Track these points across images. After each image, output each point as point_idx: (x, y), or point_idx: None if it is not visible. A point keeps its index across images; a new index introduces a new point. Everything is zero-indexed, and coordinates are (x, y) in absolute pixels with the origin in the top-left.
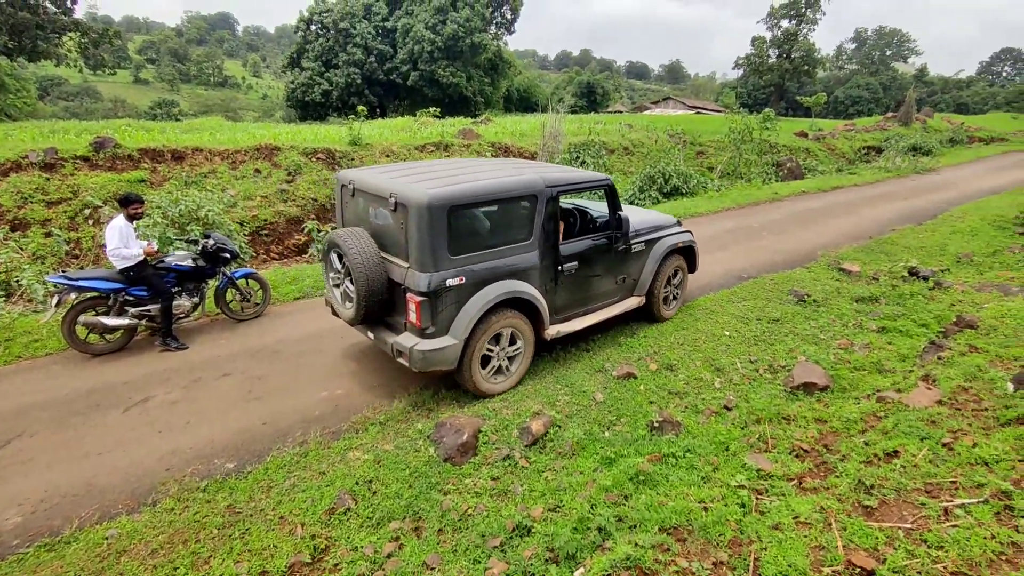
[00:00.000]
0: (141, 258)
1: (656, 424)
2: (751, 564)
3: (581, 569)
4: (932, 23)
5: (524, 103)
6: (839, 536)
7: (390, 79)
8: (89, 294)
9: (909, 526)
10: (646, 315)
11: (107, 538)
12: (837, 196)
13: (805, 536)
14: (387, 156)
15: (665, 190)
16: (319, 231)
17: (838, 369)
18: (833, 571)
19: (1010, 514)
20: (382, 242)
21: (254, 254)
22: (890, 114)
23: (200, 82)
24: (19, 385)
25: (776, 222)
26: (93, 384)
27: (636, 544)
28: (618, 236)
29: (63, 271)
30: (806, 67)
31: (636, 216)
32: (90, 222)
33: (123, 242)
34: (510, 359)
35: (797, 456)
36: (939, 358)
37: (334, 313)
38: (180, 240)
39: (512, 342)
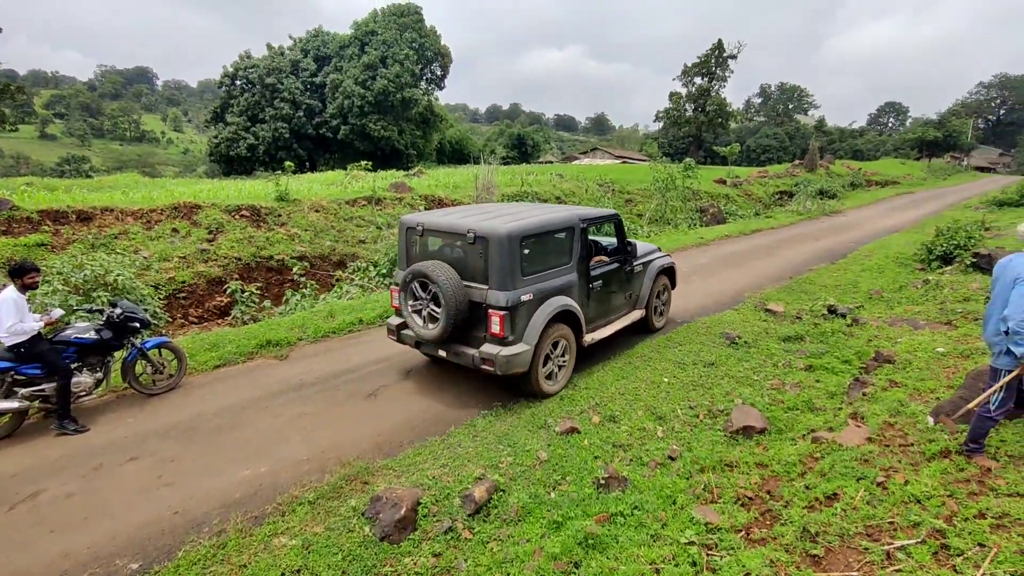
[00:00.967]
0: (36, 332)
1: (602, 481)
2: None
3: None
4: (825, 80)
5: (457, 155)
6: None
7: (320, 133)
8: None
9: (856, 574)
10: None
11: None
12: (757, 239)
13: None
14: (317, 211)
15: None
16: (243, 291)
17: (773, 410)
18: None
19: (947, 553)
20: (457, 271)
21: (170, 319)
22: (797, 161)
23: (115, 137)
24: None
25: (704, 266)
26: None
27: None
28: (629, 259)
29: None
30: (720, 119)
31: None
32: None
33: (19, 316)
34: (558, 368)
35: (743, 505)
36: (864, 394)
37: (398, 340)
38: (82, 310)
39: (563, 352)
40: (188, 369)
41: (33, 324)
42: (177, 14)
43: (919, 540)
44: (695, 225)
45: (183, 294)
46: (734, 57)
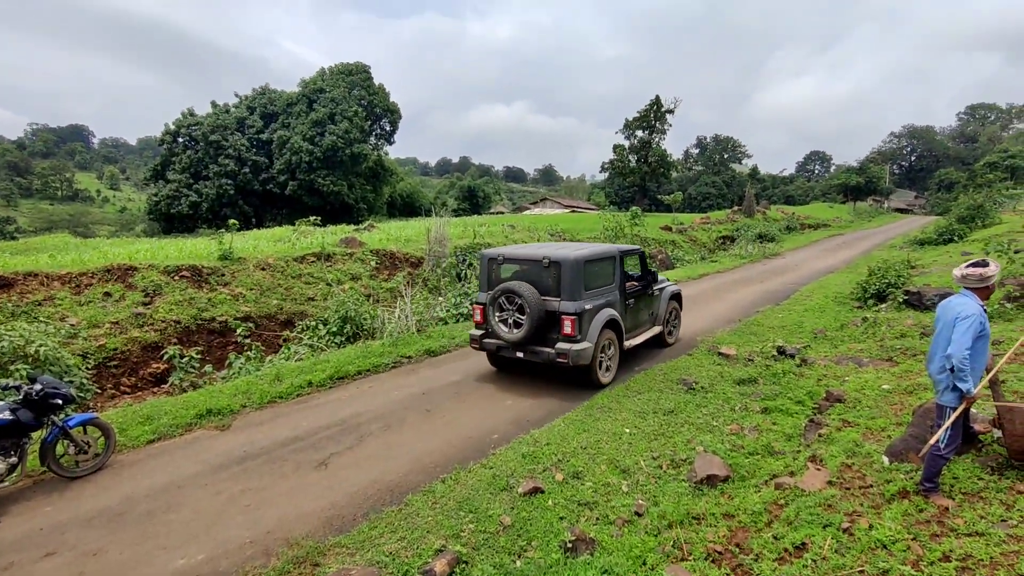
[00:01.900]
0: None
1: (569, 544)
2: None
3: None
4: (756, 132)
5: (408, 208)
6: None
7: (267, 189)
8: None
9: None
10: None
11: None
12: (705, 283)
13: None
14: (263, 269)
15: None
16: (181, 356)
17: (734, 456)
18: None
19: None
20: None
21: (99, 390)
22: (736, 208)
23: (45, 196)
24: None
25: None
26: None
27: None
28: (651, 284)
29: None
30: (662, 169)
31: None
32: None
33: None
34: (609, 364)
35: (713, 561)
36: (820, 435)
37: (480, 348)
38: None
39: (611, 353)
40: (117, 446)
41: None
42: (117, 71)
43: None
44: None
45: (114, 362)
46: (671, 112)
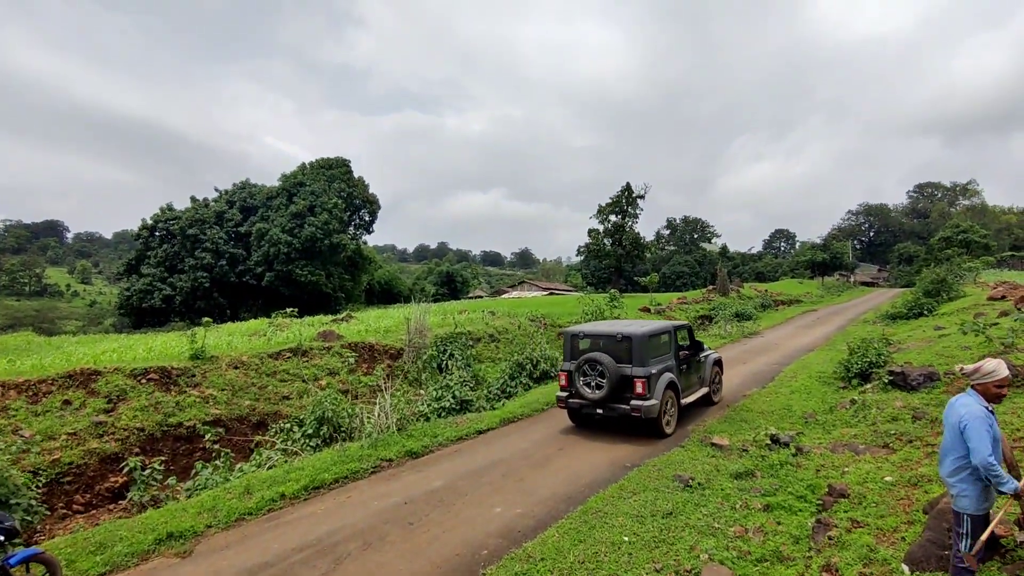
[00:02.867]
0: None
1: None
2: None
3: None
4: (722, 212)
5: (386, 295)
6: None
7: (243, 281)
8: None
9: None
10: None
11: None
12: None
13: None
14: (236, 368)
15: (535, 375)
16: (143, 468)
17: (742, 566)
18: None
19: None
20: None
21: (48, 511)
22: (711, 287)
23: (12, 293)
24: None
25: None
26: None
27: None
28: (698, 351)
29: None
30: (636, 251)
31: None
32: None
33: None
34: (670, 418)
35: None
36: (830, 538)
37: (565, 407)
38: None
39: (672, 409)
40: None
41: None
42: (96, 169)
43: None
44: None
45: (68, 477)
46: (642, 197)
